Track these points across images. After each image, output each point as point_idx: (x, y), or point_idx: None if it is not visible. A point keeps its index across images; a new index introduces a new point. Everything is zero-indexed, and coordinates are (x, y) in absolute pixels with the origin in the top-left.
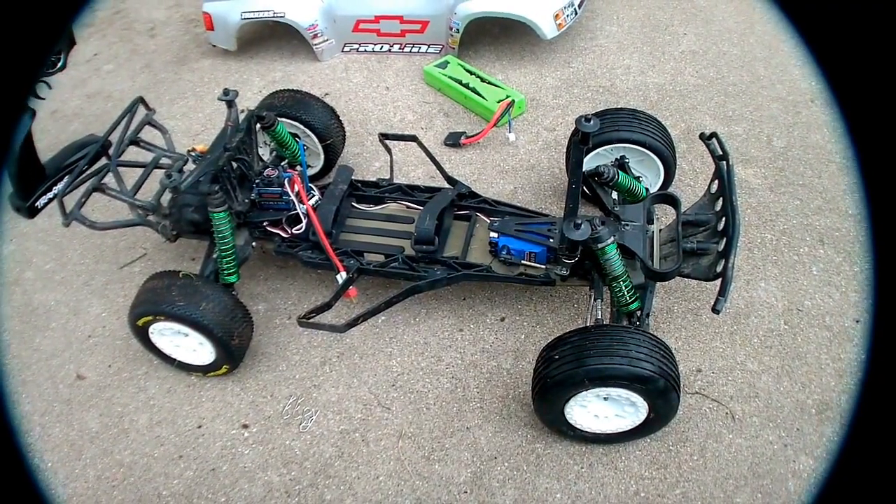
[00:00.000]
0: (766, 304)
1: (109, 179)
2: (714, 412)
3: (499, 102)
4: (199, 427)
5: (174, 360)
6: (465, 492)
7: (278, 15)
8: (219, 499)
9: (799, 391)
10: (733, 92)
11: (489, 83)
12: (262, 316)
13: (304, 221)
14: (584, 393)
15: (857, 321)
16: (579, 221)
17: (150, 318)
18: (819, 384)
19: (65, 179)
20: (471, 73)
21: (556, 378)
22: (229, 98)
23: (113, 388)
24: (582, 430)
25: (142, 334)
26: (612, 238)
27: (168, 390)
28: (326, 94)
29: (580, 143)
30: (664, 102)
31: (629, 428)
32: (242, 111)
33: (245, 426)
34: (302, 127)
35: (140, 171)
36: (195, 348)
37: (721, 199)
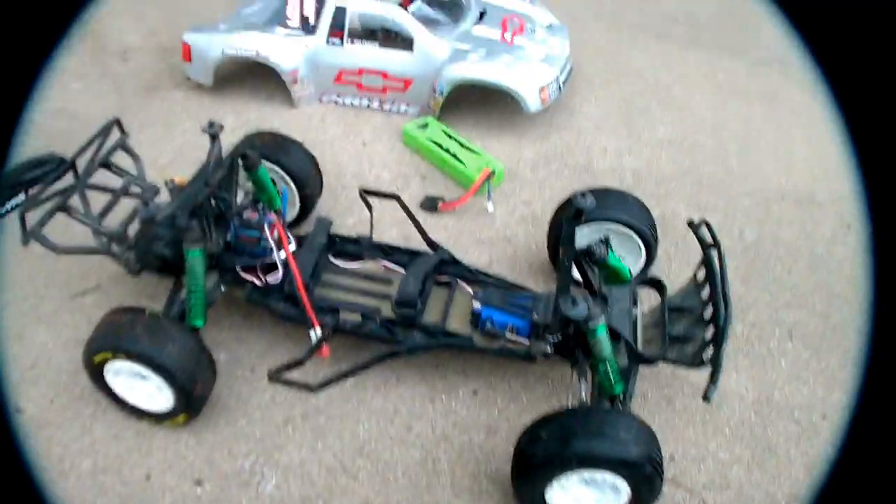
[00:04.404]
0: (738, 394)
1: (74, 201)
2: (686, 502)
3: (479, 170)
4: (148, 479)
5: (126, 402)
6: None
7: (262, 57)
8: None
9: (769, 483)
10: (707, 183)
11: (468, 149)
12: (223, 366)
13: (281, 270)
14: (567, 475)
15: (824, 417)
16: (577, 298)
17: (109, 354)
18: (788, 477)
19: (22, 195)
20: (451, 137)
21: (542, 457)
22: (213, 131)
23: (54, 425)
24: None
25: (96, 372)
26: (602, 318)
27: (115, 436)
28: (302, 144)
29: (573, 218)
30: (640, 186)
31: None
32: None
33: (199, 482)
34: (281, 172)
35: (105, 196)
36: (152, 393)
37: (707, 286)
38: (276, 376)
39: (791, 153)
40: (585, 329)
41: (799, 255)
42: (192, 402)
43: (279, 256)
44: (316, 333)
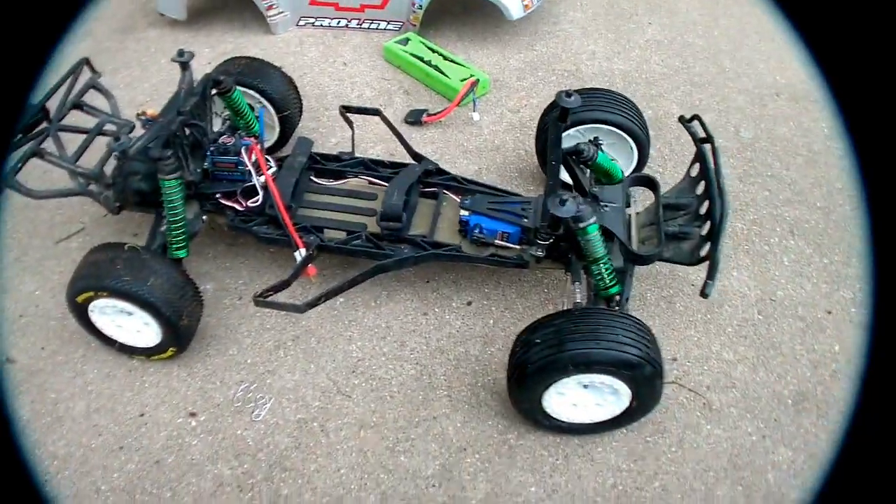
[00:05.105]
0: (739, 293)
1: (48, 145)
2: (691, 402)
3: (463, 81)
4: (142, 415)
5: (115, 342)
6: (434, 485)
7: None
8: (164, 494)
9: (775, 382)
10: (699, 82)
11: (452, 62)
12: (211, 296)
13: (261, 194)
14: (564, 380)
15: (829, 312)
16: (565, 197)
17: (92, 294)
18: (795, 375)
19: None
20: (433, 50)
21: (538, 363)
22: (184, 59)
23: (46, 372)
24: (559, 420)
25: (81, 312)
26: (593, 218)
27: (107, 375)
28: (280, 67)
29: (559, 119)
30: (630, 89)
31: (608, 417)
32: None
33: (192, 414)
34: (258, 96)
35: (80, 138)
36: (139, 329)
37: (703, 182)
38: (262, 300)
39: (785, 50)
40: (576, 229)
41: (797, 152)
42: (179, 334)
43: (258, 180)
44: (300, 254)
